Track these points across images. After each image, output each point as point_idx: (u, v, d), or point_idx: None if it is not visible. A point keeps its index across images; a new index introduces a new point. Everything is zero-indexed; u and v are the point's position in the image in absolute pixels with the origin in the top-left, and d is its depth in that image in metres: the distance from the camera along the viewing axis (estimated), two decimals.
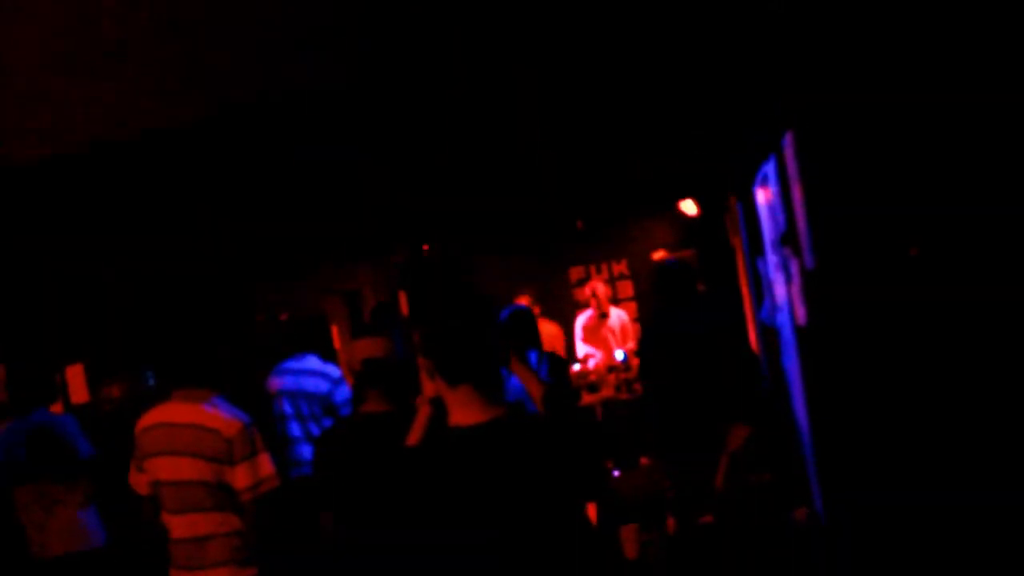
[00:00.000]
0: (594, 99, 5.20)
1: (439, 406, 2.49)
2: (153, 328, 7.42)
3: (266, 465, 3.62)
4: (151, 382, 7.97)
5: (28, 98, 3.91)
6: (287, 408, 5.65)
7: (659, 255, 10.91)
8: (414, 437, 2.83)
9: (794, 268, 3.92)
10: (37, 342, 6.42)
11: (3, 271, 6.39)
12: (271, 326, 7.82)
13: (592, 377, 8.75)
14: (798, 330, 4.23)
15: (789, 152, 3.48)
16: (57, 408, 5.60)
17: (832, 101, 3.20)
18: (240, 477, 3.55)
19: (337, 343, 8.80)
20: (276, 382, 5.75)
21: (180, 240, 7.13)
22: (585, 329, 9.65)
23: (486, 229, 10.35)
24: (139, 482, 3.79)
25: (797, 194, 3.45)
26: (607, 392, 8.48)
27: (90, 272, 7.16)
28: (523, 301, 9.04)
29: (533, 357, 5.44)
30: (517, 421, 2.32)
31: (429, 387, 2.51)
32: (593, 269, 11.87)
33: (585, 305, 9.85)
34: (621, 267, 11.86)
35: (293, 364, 5.78)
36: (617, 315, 9.71)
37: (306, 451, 5.56)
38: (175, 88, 4.05)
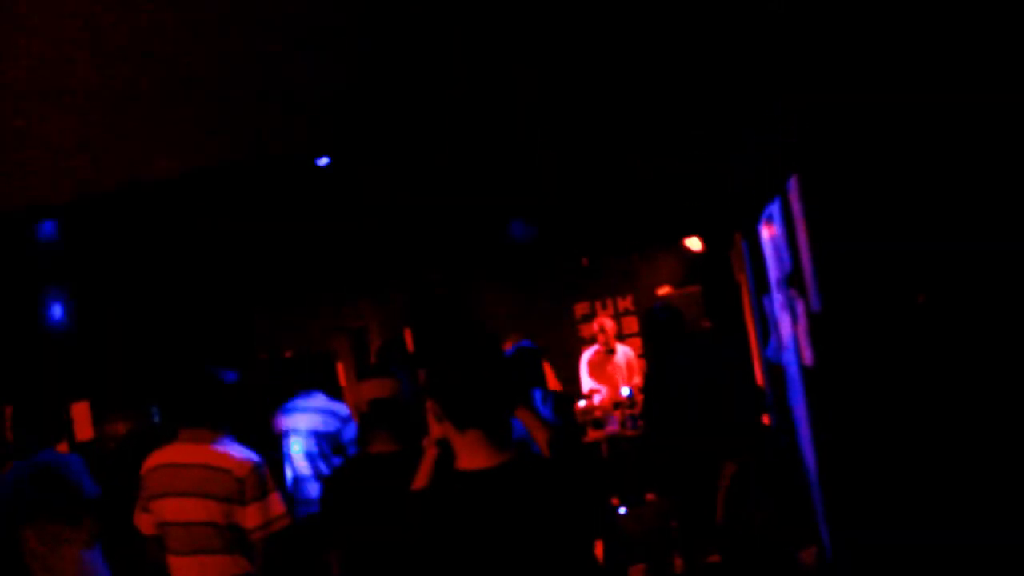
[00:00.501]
0: (600, 131, 5.23)
1: (446, 448, 2.49)
2: (159, 367, 7.43)
3: (277, 504, 3.60)
4: (156, 419, 7.98)
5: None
6: (300, 447, 5.64)
7: (664, 291, 10.92)
8: (420, 480, 2.83)
9: (800, 309, 3.93)
10: (42, 380, 6.43)
11: (9, 310, 6.42)
12: (275, 364, 7.82)
13: (597, 413, 8.72)
14: (804, 370, 4.24)
15: (794, 195, 3.50)
16: (63, 447, 5.60)
17: (838, 144, 3.22)
18: (251, 517, 3.53)
19: (343, 380, 8.81)
20: (285, 420, 5.74)
21: (184, 277, 7.16)
22: (591, 364, 9.64)
23: (490, 264, 10.37)
24: (144, 522, 3.77)
25: (802, 237, 3.46)
26: (613, 428, 8.45)
27: (95, 310, 7.18)
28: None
29: (538, 396, 5.44)
30: (524, 465, 2.32)
31: (436, 429, 2.51)
32: (598, 305, 11.86)
33: (591, 340, 9.84)
34: (626, 303, 11.85)
35: (301, 401, 5.77)
36: (623, 351, 9.70)
37: (315, 489, 5.54)
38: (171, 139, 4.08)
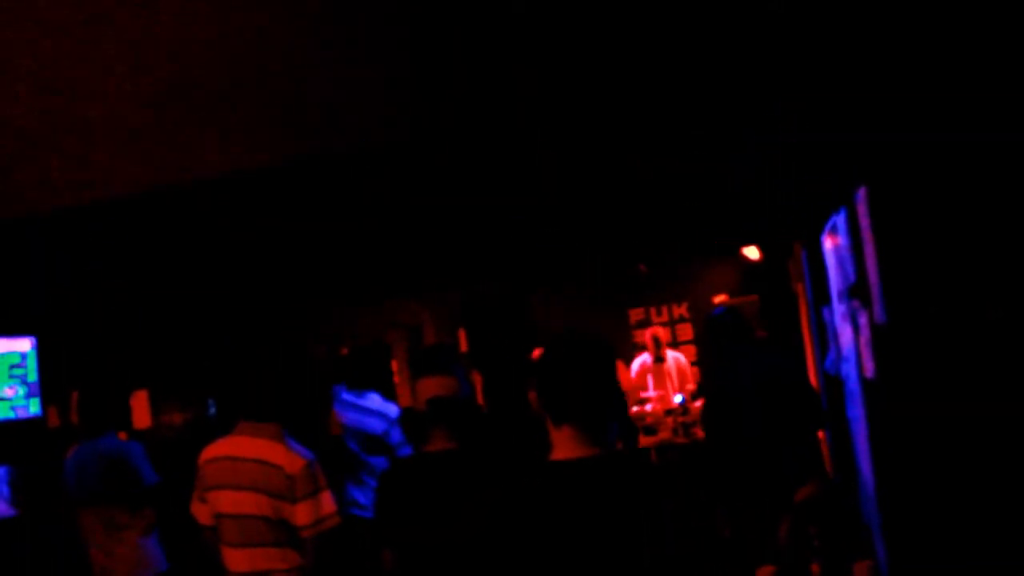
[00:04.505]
0: (662, 140, 5.20)
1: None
2: (219, 360, 7.53)
3: (328, 503, 3.61)
4: (212, 411, 8.09)
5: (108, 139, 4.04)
6: (351, 444, 5.63)
7: (720, 299, 10.86)
8: None
9: (863, 320, 3.89)
10: (106, 369, 6.56)
11: (79, 302, 6.56)
12: (332, 359, 7.89)
13: (648, 420, 8.71)
14: (865, 382, 4.19)
15: (862, 206, 3.47)
16: (122, 435, 5.70)
17: (907, 156, 3.19)
18: (301, 514, 3.55)
19: (396, 376, 8.87)
20: (340, 415, 5.73)
21: (246, 273, 7.25)
22: (641, 372, 9.64)
23: (546, 268, 10.37)
24: (201, 512, 3.81)
25: (869, 248, 3.43)
26: (664, 435, 8.43)
27: (158, 303, 7.30)
28: None
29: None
30: (615, 458, 2.42)
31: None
32: (653, 311, 11.82)
33: (643, 347, 9.84)
34: (681, 310, 11.80)
35: (353, 398, 5.75)
36: (673, 357, 9.68)
37: (353, 492, 5.55)
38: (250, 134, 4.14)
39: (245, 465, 3.63)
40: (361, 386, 5.78)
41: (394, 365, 8.88)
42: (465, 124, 4.45)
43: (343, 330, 8.80)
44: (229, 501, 3.66)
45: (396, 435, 5.58)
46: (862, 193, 3.43)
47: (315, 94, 3.90)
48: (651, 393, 9.38)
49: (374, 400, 5.71)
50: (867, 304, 3.67)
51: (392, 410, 5.66)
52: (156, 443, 6.50)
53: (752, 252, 9.91)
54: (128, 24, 3.14)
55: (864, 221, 3.45)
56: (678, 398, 8.82)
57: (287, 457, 3.60)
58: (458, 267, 9.00)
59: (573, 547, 2.28)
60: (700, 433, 7.97)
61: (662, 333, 9.69)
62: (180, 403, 7.96)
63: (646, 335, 9.67)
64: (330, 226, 6.35)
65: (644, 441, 8.23)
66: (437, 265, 8.55)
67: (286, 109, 3.97)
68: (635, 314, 11.85)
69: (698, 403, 8.61)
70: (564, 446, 2.39)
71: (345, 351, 7.83)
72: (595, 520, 2.28)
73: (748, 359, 4.93)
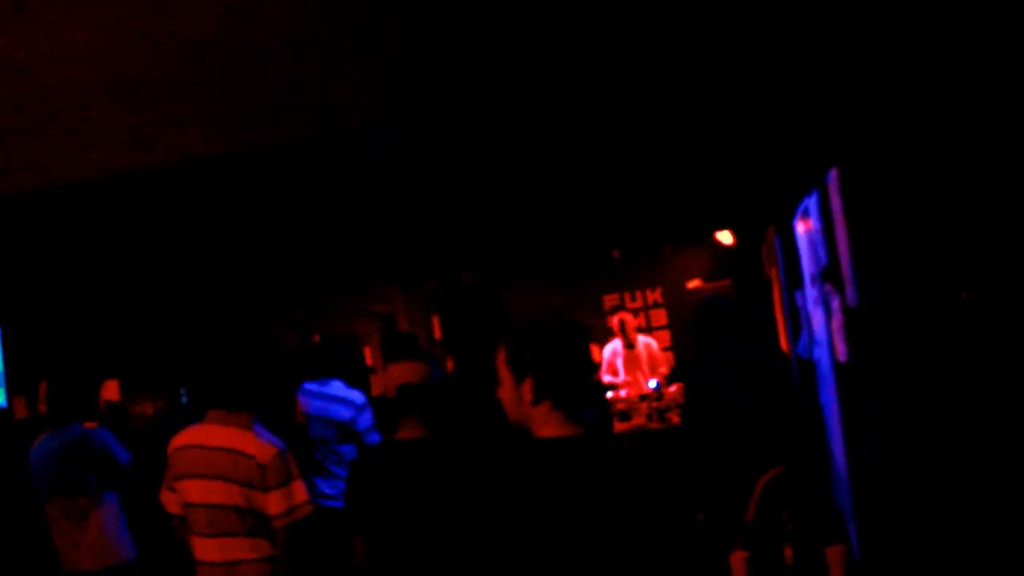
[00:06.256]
0: (633, 128, 5.19)
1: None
2: (190, 349, 7.46)
3: (300, 492, 3.58)
4: (184, 400, 8.03)
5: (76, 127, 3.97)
6: (313, 432, 5.62)
7: (693, 284, 10.87)
8: None
9: (835, 304, 3.88)
10: (75, 358, 6.48)
11: (46, 291, 6.47)
12: (304, 348, 7.84)
13: (620, 406, 8.70)
14: (837, 366, 4.19)
15: (833, 188, 3.45)
16: (92, 424, 5.64)
17: (879, 137, 3.17)
18: (273, 503, 3.52)
19: (369, 361, 8.82)
20: (303, 403, 5.71)
21: (221, 260, 7.18)
22: (612, 358, 9.65)
23: (519, 256, 10.35)
24: (169, 501, 3.78)
25: (841, 230, 3.42)
26: (639, 421, 8.42)
27: (129, 291, 7.22)
28: None
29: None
30: (599, 438, 2.45)
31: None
32: (627, 296, 11.82)
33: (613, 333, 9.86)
34: (655, 295, 11.82)
35: (317, 387, 5.73)
36: (644, 343, 9.70)
37: (318, 482, 5.55)
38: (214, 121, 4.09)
39: (215, 454, 3.60)
40: (328, 375, 5.76)
41: (367, 353, 8.83)
42: (431, 111, 4.42)
43: (317, 318, 8.76)
44: (198, 490, 3.62)
45: (363, 421, 5.57)
46: (833, 174, 3.41)
47: (277, 82, 3.85)
48: (621, 379, 9.38)
49: (338, 387, 5.70)
50: (839, 287, 3.66)
51: (357, 396, 5.65)
52: (127, 432, 6.43)
53: (726, 237, 9.92)
54: (91, 10, 3.08)
55: (836, 203, 3.44)
56: (652, 383, 8.81)
57: (258, 446, 3.57)
58: (433, 254, 8.98)
59: (571, 522, 2.28)
60: (675, 419, 7.98)
61: (629, 319, 9.69)
62: (152, 392, 7.89)
63: (613, 321, 9.67)
64: (300, 214, 6.31)
65: (618, 427, 8.21)
66: (412, 252, 8.52)
67: (251, 97, 3.92)
68: (609, 300, 11.85)
69: (672, 388, 8.62)
70: (549, 424, 2.40)
71: (317, 339, 7.80)
72: (590, 497, 2.29)
73: (734, 351, 4.93)
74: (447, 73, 4.01)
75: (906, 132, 3.15)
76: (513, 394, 2.44)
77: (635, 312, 11.34)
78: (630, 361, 9.56)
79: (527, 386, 2.40)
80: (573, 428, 2.39)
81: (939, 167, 3.07)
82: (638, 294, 11.84)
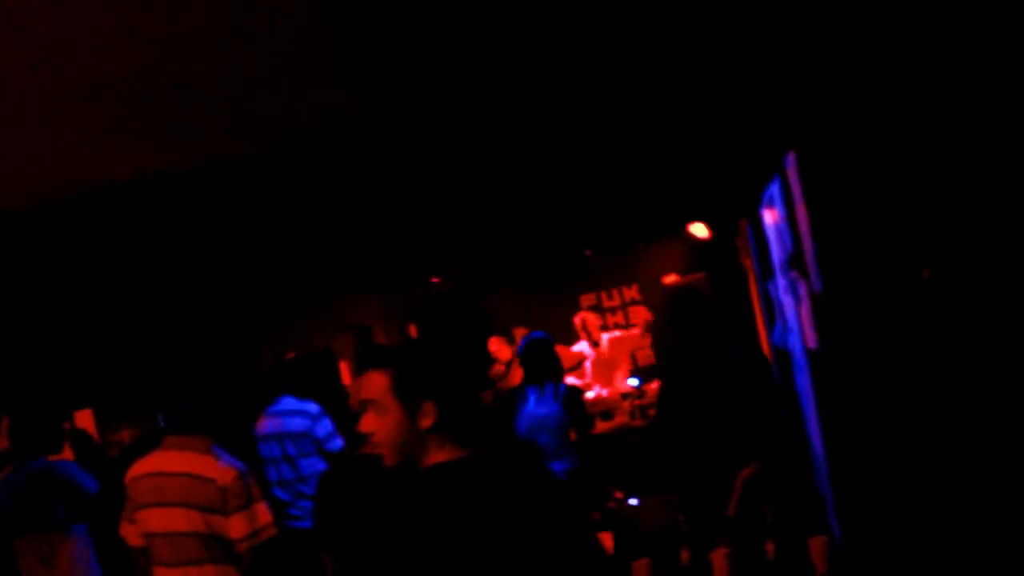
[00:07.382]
0: (600, 123, 5.12)
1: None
2: (160, 373, 7.35)
3: (263, 513, 3.48)
4: (162, 424, 7.92)
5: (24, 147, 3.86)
6: (265, 452, 5.57)
7: (670, 279, 10.82)
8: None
9: (802, 290, 3.82)
10: (44, 389, 6.37)
11: (11, 318, 6.35)
12: (277, 364, 7.74)
13: (599, 407, 8.61)
14: (809, 353, 4.13)
15: (792, 172, 3.39)
16: (67, 455, 5.55)
17: (836, 118, 3.12)
18: (235, 527, 3.42)
19: (346, 377, 8.73)
20: (258, 428, 5.69)
21: (194, 279, 7.09)
22: (580, 358, 9.62)
23: (495, 258, 10.29)
24: (129, 533, 3.67)
25: (802, 215, 3.36)
26: (621, 419, 8.35)
27: (99, 315, 7.11)
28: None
29: (550, 389, 5.36)
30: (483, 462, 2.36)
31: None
32: (604, 295, 11.77)
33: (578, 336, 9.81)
34: (632, 292, 11.77)
35: (272, 408, 5.72)
36: (609, 339, 9.69)
37: (278, 493, 5.50)
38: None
39: (173, 480, 3.50)
40: (301, 394, 5.73)
41: (343, 367, 8.74)
42: (402, 120, 4.34)
43: (293, 333, 8.65)
44: (158, 519, 3.51)
45: (321, 429, 5.54)
46: (791, 158, 3.35)
47: (253, 93, 3.76)
48: (588, 379, 9.33)
49: (288, 402, 5.68)
50: (805, 274, 3.60)
51: (311, 407, 5.62)
52: (103, 463, 6.32)
53: (700, 230, 9.87)
54: (51, 18, 2.98)
55: (796, 188, 3.38)
56: (633, 381, 8.74)
57: (217, 469, 3.47)
58: (411, 262, 8.92)
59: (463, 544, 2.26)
60: None
61: (591, 318, 9.67)
62: (128, 420, 7.77)
63: (576, 321, 9.64)
64: (273, 225, 6.22)
65: (601, 427, 8.14)
66: (388, 261, 8.45)
67: (219, 108, 3.82)
68: (587, 299, 11.80)
69: (654, 384, 8.55)
70: (445, 449, 2.36)
71: (291, 355, 7.70)
72: (483, 520, 2.25)
73: (706, 348, 4.85)
74: (425, 80, 3.95)
75: (863, 112, 3.10)
76: (401, 421, 2.37)
77: (613, 310, 11.30)
78: (599, 360, 9.51)
79: (427, 411, 2.34)
80: (463, 451, 2.35)
81: (896, 145, 3.01)
82: (615, 292, 11.78)
